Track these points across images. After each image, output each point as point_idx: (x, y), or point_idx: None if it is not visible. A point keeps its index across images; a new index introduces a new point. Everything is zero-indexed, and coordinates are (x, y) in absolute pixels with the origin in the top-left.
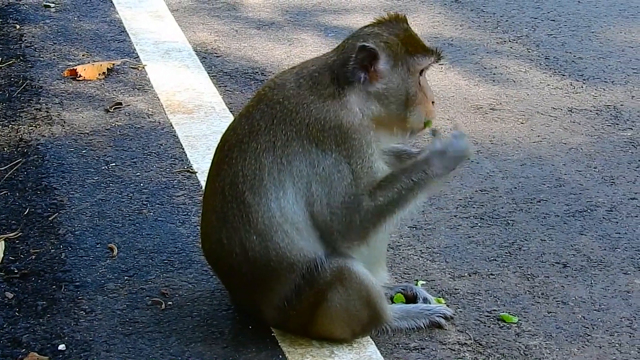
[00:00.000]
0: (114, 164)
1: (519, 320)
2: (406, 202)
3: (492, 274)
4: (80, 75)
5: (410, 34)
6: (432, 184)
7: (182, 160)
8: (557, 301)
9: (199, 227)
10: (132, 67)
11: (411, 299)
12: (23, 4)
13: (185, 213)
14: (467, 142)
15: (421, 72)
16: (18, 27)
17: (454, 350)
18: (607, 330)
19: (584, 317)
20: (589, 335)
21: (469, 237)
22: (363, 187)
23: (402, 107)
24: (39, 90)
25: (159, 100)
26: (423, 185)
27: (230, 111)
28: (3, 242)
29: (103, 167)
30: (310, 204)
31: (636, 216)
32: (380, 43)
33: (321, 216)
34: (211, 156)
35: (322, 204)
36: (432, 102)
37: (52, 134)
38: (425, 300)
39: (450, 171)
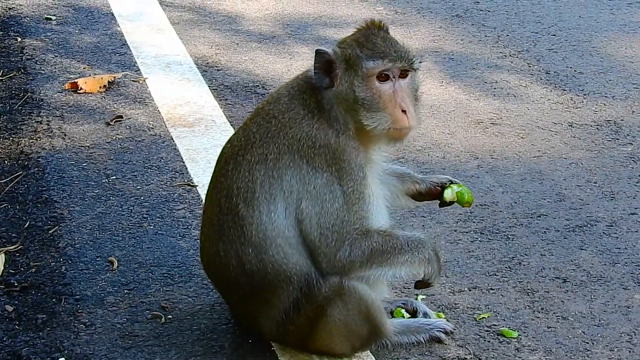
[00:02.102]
0: (114, 177)
1: (518, 335)
2: (393, 262)
3: (492, 289)
4: (81, 88)
5: (373, 40)
6: (418, 261)
7: (183, 173)
8: (557, 316)
9: (199, 241)
10: (133, 80)
11: (411, 313)
12: (24, 17)
13: (186, 227)
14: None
15: (382, 77)
16: (19, 39)
17: None
18: (607, 346)
19: (583, 332)
20: (588, 350)
21: (469, 251)
22: (356, 217)
23: (355, 112)
24: (40, 103)
25: (159, 113)
26: (413, 253)
27: (231, 125)
28: (3, 255)
29: (103, 180)
30: (299, 221)
31: (636, 231)
32: (337, 48)
33: (310, 235)
34: (212, 170)
35: (311, 223)
36: (403, 111)
37: (52, 146)
38: (425, 315)
39: (431, 267)
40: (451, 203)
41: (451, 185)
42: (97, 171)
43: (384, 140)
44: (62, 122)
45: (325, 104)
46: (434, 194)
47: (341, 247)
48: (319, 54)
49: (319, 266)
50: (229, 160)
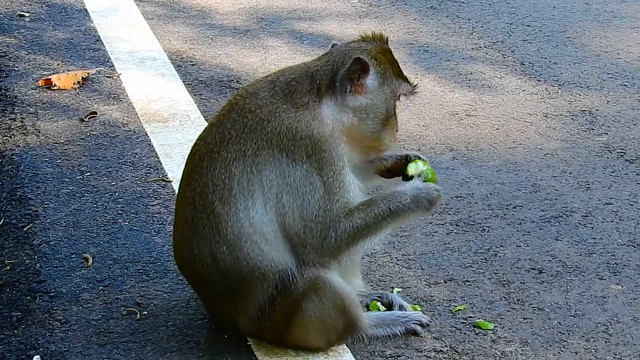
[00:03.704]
0: (88, 174)
1: (494, 326)
2: (380, 228)
3: (467, 281)
4: (55, 85)
5: (393, 57)
6: (405, 215)
7: (157, 169)
8: (532, 307)
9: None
10: (107, 76)
11: (387, 306)
12: None
13: (161, 222)
14: (440, 191)
15: (399, 98)
16: None
17: (430, 358)
18: (583, 336)
19: (559, 323)
20: (564, 341)
21: (445, 243)
22: (339, 205)
23: (379, 126)
24: (14, 100)
25: (134, 109)
26: (397, 214)
27: (206, 119)
28: None
29: (78, 177)
30: (281, 215)
31: (611, 221)
32: (372, 59)
33: (293, 228)
34: (184, 166)
35: (294, 216)
36: (397, 128)
37: (26, 143)
38: (401, 308)
39: (421, 209)
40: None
41: (416, 160)
42: (71, 168)
43: (368, 152)
44: (36, 118)
45: (321, 106)
46: (399, 167)
47: (327, 236)
48: (358, 61)
49: (307, 257)
50: (203, 157)
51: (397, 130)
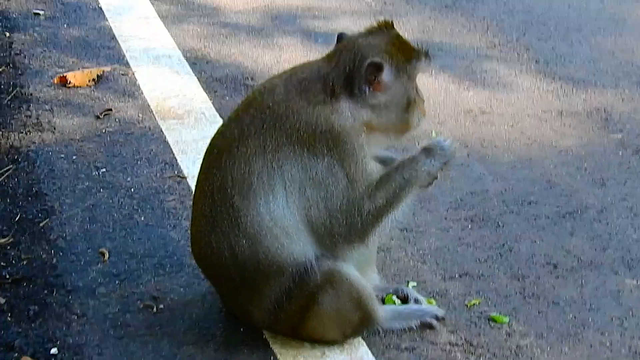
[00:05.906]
0: (104, 170)
1: (509, 320)
2: (400, 200)
3: (482, 275)
4: (70, 82)
5: (402, 40)
6: (421, 180)
7: (173, 165)
8: (547, 301)
9: (189, 232)
10: (122, 74)
11: (402, 300)
12: (12, 12)
13: (176, 217)
14: (452, 143)
15: (416, 77)
16: (7, 34)
17: (445, 351)
18: (597, 330)
19: (574, 316)
20: (579, 334)
21: (460, 239)
22: (362, 191)
23: (404, 113)
24: (29, 97)
25: (149, 106)
26: (413, 181)
27: (220, 116)
28: None
29: (94, 173)
30: (306, 209)
31: (626, 217)
32: (384, 55)
33: (319, 220)
34: (201, 161)
35: (319, 209)
36: (423, 100)
37: (42, 140)
38: (417, 301)
39: (436, 168)
40: None
41: None
42: (87, 164)
43: (399, 136)
44: (51, 115)
45: (338, 101)
46: None
47: (353, 222)
48: (372, 64)
49: (335, 246)
50: (222, 152)
51: (423, 101)
